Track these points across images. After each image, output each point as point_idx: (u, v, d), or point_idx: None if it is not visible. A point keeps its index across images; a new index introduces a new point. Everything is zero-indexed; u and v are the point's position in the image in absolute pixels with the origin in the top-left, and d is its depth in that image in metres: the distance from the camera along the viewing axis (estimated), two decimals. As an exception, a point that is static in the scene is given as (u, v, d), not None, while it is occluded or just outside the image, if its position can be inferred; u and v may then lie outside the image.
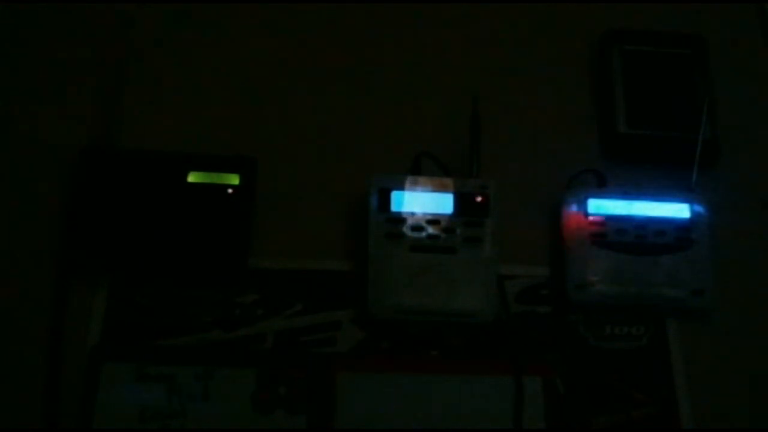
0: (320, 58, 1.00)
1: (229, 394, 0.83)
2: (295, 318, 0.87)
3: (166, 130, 0.95)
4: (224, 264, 0.87)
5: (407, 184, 0.88)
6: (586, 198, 0.90)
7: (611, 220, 0.90)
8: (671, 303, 0.89)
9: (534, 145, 0.98)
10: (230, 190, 0.88)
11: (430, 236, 0.87)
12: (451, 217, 0.87)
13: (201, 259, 0.86)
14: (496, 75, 1.01)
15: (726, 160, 0.97)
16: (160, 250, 0.86)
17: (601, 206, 0.90)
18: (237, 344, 0.86)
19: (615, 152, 0.97)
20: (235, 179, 0.88)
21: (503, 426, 0.84)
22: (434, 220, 0.87)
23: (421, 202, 0.88)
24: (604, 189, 0.92)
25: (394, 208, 0.87)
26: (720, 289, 0.89)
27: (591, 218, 0.89)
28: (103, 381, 0.83)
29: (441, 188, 0.89)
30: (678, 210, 0.91)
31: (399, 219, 0.87)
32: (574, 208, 0.90)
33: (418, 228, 0.87)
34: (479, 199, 0.88)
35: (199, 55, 0.99)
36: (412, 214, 0.87)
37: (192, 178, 0.88)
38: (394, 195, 0.88)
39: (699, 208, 0.91)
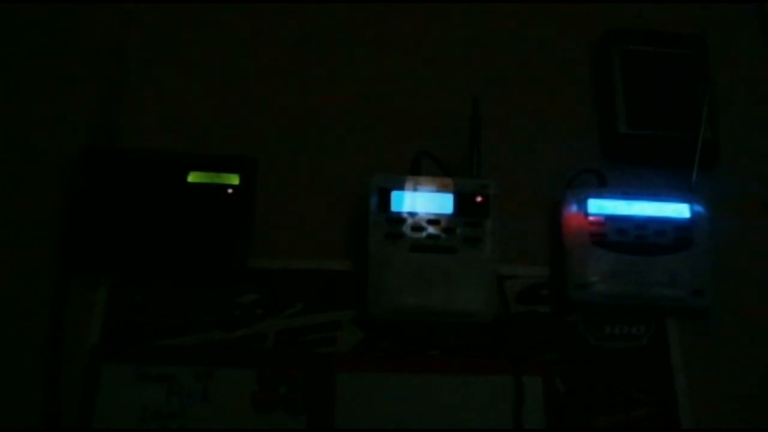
0: (320, 59, 1.01)
1: (229, 394, 0.83)
2: (295, 318, 0.87)
3: (166, 130, 0.95)
4: (224, 264, 0.87)
5: (407, 184, 0.88)
6: (586, 198, 0.90)
7: (611, 220, 0.90)
8: (671, 303, 0.89)
9: (534, 145, 0.98)
10: (230, 190, 0.88)
11: (430, 236, 0.87)
12: (451, 217, 0.87)
13: (201, 259, 0.86)
14: (496, 75, 1.01)
15: (726, 160, 0.97)
16: (161, 249, 0.86)
17: (601, 206, 0.90)
18: (237, 344, 0.86)
19: (615, 152, 0.97)
20: (235, 179, 0.88)
21: (503, 426, 0.84)
22: (434, 220, 0.87)
23: (421, 202, 0.88)
24: (604, 189, 0.92)
25: (394, 208, 0.87)
26: (720, 289, 0.89)
27: (591, 218, 0.90)
28: (103, 381, 0.83)
29: (441, 188, 0.89)
30: (678, 210, 0.91)
31: (399, 219, 0.87)
32: (574, 208, 0.90)
33: (418, 228, 0.87)
34: (479, 199, 0.88)
35: (198, 56, 0.99)
36: (412, 214, 0.87)
37: (192, 178, 0.88)
38: (394, 195, 0.88)
39: (699, 208, 0.91)
